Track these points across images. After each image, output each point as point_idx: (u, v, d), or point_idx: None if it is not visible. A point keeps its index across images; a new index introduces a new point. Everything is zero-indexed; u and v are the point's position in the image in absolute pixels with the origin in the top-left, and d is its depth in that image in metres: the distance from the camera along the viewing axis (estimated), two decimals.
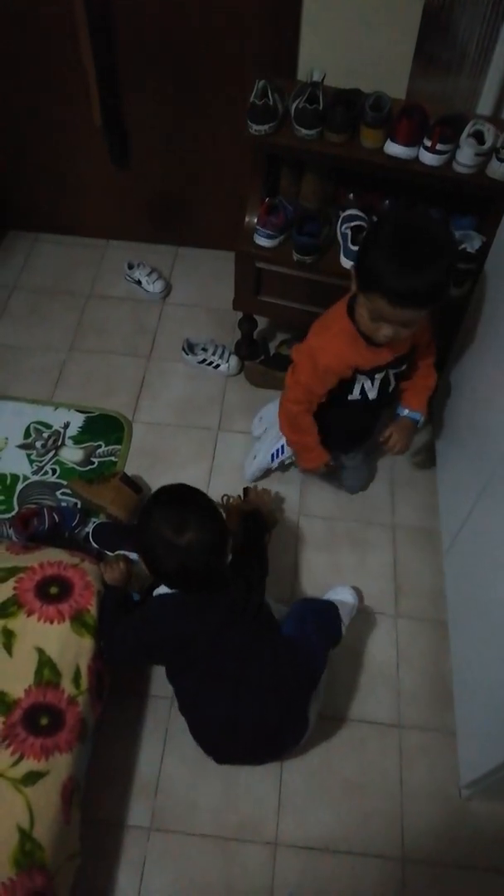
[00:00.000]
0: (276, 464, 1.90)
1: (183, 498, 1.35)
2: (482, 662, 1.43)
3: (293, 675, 1.38)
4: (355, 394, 1.64)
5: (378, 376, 1.62)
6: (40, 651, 1.29)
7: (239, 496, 1.78)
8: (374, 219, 1.83)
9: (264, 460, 1.89)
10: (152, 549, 1.29)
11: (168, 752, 1.50)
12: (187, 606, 1.34)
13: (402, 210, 1.41)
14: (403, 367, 1.65)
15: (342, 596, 1.64)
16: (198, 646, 1.33)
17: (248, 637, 1.35)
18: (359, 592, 1.69)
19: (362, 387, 1.63)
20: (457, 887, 1.38)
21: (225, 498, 1.77)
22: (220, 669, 1.33)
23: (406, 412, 1.74)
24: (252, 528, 1.64)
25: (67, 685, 1.28)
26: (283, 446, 1.85)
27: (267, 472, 1.94)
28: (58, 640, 1.31)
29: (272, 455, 1.88)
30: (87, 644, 1.33)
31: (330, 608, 1.52)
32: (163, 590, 1.38)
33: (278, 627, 1.46)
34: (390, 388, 1.68)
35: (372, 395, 1.65)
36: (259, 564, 1.51)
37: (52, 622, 1.32)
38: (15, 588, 1.35)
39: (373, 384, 1.63)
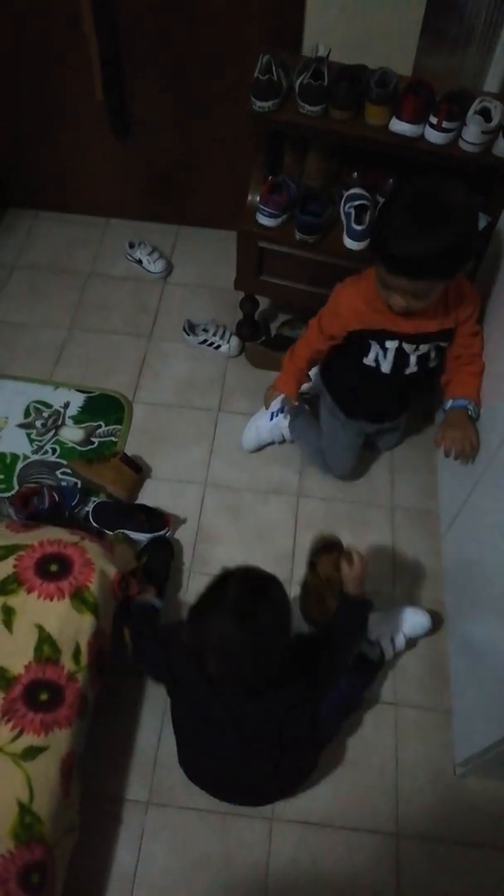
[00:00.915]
0: (274, 421, 1.89)
1: (252, 608, 1.15)
2: (479, 642, 1.44)
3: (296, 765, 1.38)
4: (370, 359, 1.60)
5: (390, 345, 1.54)
6: (40, 628, 1.30)
7: (318, 573, 1.58)
8: (378, 199, 1.81)
9: (263, 418, 1.90)
10: (199, 645, 1.16)
11: (166, 728, 1.51)
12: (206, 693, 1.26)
13: (416, 178, 1.34)
14: (427, 350, 1.57)
15: (411, 625, 1.59)
16: (204, 707, 1.30)
17: (260, 724, 1.29)
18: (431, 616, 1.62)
19: (376, 355, 1.59)
20: (450, 862, 1.40)
21: (313, 574, 1.59)
22: (216, 734, 1.31)
23: (450, 403, 1.59)
24: (343, 617, 1.40)
25: (67, 661, 1.29)
26: (282, 407, 1.84)
27: (268, 443, 1.94)
28: (57, 617, 1.31)
29: (272, 414, 1.88)
30: (87, 621, 1.33)
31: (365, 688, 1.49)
32: None
33: (311, 719, 1.36)
34: (407, 370, 1.61)
35: (385, 367, 1.59)
36: (327, 676, 1.37)
37: (52, 599, 1.32)
38: (15, 566, 1.35)
39: (385, 355, 1.57)
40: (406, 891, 1.37)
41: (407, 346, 1.56)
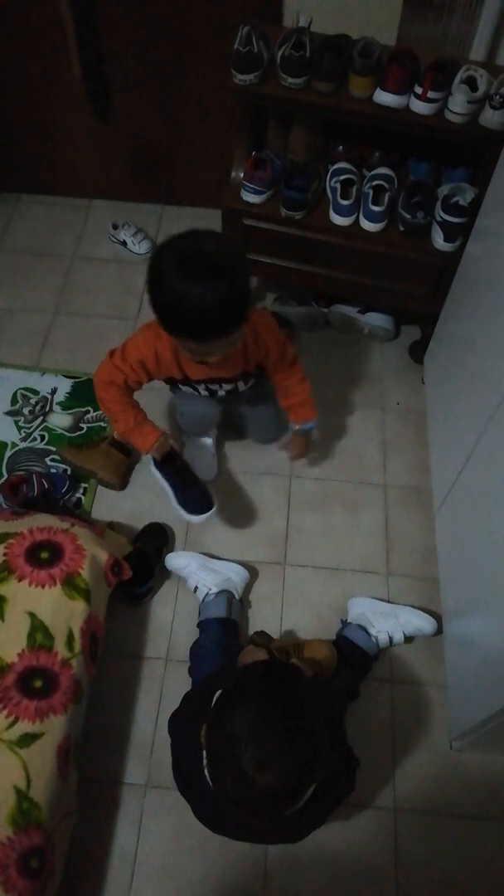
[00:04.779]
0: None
1: (286, 709, 0.95)
2: (472, 618, 1.44)
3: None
4: (183, 391, 1.64)
5: (197, 386, 1.59)
6: (32, 615, 1.29)
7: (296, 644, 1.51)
8: (365, 173, 1.78)
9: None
10: (213, 753, 0.97)
11: (163, 712, 1.51)
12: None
13: (169, 245, 1.26)
14: (234, 385, 1.61)
15: (410, 624, 1.58)
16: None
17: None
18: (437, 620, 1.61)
19: (188, 389, 1.62)
20: (448, 835, 1.41)
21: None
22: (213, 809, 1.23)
23: (297, 427, 1.72)
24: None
25: (61, 648, 1.29)
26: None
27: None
28: (50, 603, 1.31)
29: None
30: (79, 607, 1.33)
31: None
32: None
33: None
34: (241, 388, 1.64)
35: (220, 393, 1.64)
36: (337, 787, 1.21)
37: (43, 586, 1.32)
38: (5, 554, 1.35)
39: (195, 389, 1.61)
40: (405, 865, 1.38)
41: (213, 386, 1.60)
